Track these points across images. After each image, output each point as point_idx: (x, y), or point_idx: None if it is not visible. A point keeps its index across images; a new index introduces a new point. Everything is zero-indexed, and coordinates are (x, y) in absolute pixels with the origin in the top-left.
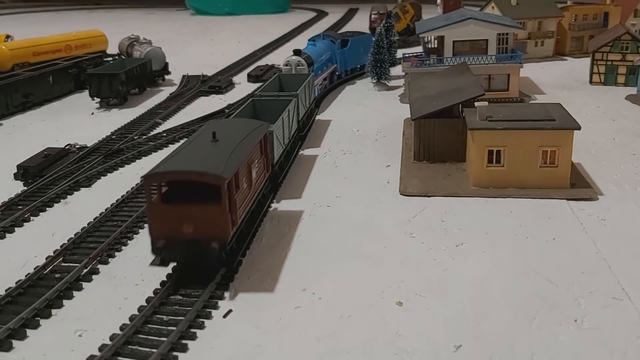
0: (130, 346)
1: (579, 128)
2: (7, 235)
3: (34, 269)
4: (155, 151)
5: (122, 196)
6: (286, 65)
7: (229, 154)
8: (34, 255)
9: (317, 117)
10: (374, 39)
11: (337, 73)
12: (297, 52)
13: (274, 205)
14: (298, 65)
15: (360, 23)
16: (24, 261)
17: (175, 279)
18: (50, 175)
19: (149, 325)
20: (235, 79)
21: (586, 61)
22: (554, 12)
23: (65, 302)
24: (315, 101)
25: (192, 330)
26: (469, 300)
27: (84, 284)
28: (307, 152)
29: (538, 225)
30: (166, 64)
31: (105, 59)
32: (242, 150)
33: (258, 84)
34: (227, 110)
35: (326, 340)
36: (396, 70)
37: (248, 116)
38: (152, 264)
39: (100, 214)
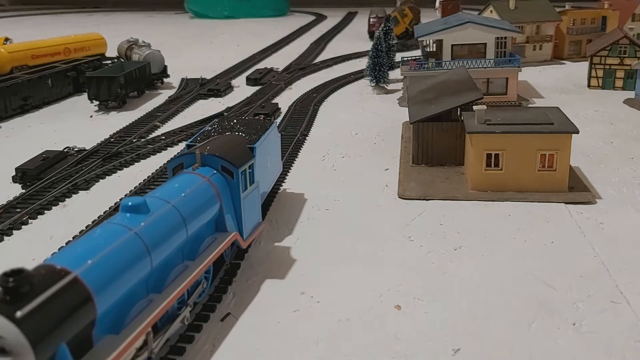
0: None
1: (577, 132)
2: (5, 238)
3: None
4: (154, 154)
5: (120, 199)
6: None
7: None
8: (32, 258)
9: (315, 122)
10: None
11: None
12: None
13: (273, 207)
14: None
15: (359, 27)
16: (22, 264)
17: None
18: (49, 178)
19: None
20: (234, 82)
21: (584, 65)
22: (552, 16)
23: None
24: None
25: (189, 333)
26: (468, 304)
27: None
28: (305, 155)
29: (536, 229)
30: (165, 67)
31: (104, 62)
32: None
33: (257, 87)
34: (225, 114)
35: (324, 343)
36: (395, 74)
37: None
38: None
39: (98, 217)
